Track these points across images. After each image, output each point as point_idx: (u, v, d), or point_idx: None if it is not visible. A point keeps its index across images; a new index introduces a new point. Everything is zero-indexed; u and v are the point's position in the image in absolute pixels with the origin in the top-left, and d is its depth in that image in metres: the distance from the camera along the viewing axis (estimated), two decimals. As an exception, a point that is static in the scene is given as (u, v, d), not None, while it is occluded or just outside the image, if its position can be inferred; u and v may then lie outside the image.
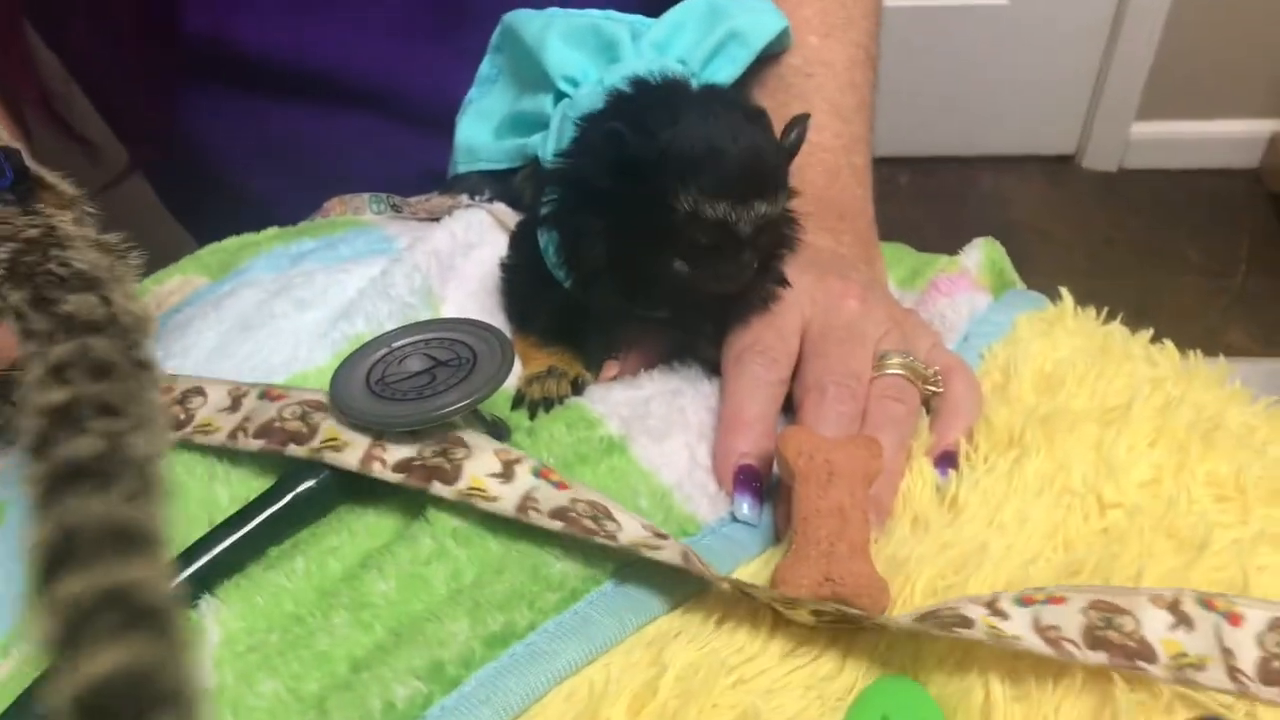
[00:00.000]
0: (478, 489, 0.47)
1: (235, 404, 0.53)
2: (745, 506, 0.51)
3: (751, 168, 0.51)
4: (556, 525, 0.46)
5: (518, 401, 0.56)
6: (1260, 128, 2.46)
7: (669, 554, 0.45)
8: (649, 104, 0.54)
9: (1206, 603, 0.45)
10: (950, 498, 0.53)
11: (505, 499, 0.47)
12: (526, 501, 0.47)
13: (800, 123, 0.55)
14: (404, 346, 0.53)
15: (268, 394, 0.52)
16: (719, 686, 0.43)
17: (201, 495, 0.50)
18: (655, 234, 0.52)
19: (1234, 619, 0.44)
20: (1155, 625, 0.44)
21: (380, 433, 0.49)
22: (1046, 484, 0.52)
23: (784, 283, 0.58)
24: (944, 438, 0.56)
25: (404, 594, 0.45)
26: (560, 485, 0.48)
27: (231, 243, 0.71)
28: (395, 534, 0.48)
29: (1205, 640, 0.43)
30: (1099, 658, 0.43)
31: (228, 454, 0.51)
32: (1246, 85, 2.40)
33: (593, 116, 0.57)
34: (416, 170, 0.79)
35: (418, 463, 0.48)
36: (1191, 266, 2.32)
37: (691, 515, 0.51)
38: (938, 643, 0.45)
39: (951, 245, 0.73)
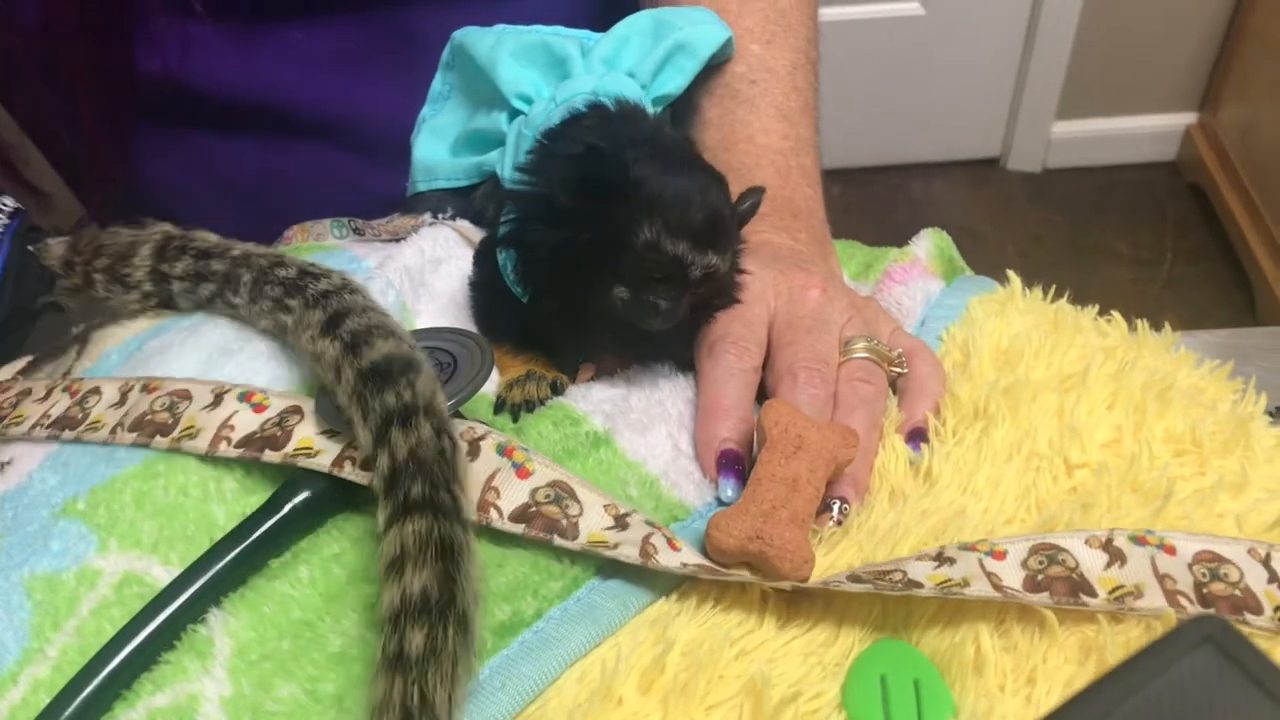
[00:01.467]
0: None
1: (122, 399, 0.56)
2: (729, 489, 0.53)
3: (712, 220, 0.54)
4: (518, 529, 0.48)
5: (499, 406, 0.57)
6: (1175, 121, 2.54)
7: (627, 550, 0.47)
8: (629, 137, 0.56)
9: (1139, 539, 0.48)
10: (924, 470, 0.55)
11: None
12: (487, 495, 0.49)
13: (754, 194, 0.58)
14: (386, 357, 0.55)
15: (147, 387, 0.56)
16: (724, 658, 0.45)
17: (199, 515, 0.50)
18: (606, 258, 0.54)
19: (1168, 549, 0.48)
20: (1092, 564, 0.47)
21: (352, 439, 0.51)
22: (1014, 450, 0.55)
23: (736, 300, 0.60)
24: (913, 415, 0.58)
25: None
26: (522, 471, 0.50)
27: (198, 274, 0.72)
28: (395, 538, 0.49)
29: (1140, 570, 0.47)
30: (1043, 599, 0.46)
31: (222, 473, 0.52)
32: (1159, 81, 2.49)
33: (553, 133, 0.59)
34: (370, 199, 0.80)
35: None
36: (1120, 258, 2.39)
37: (680, 501, 0.53)
38: (928, 604, 0.47)
39: (887, 251, 0.75)
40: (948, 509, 0.52)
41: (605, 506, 0.49)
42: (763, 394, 0.59)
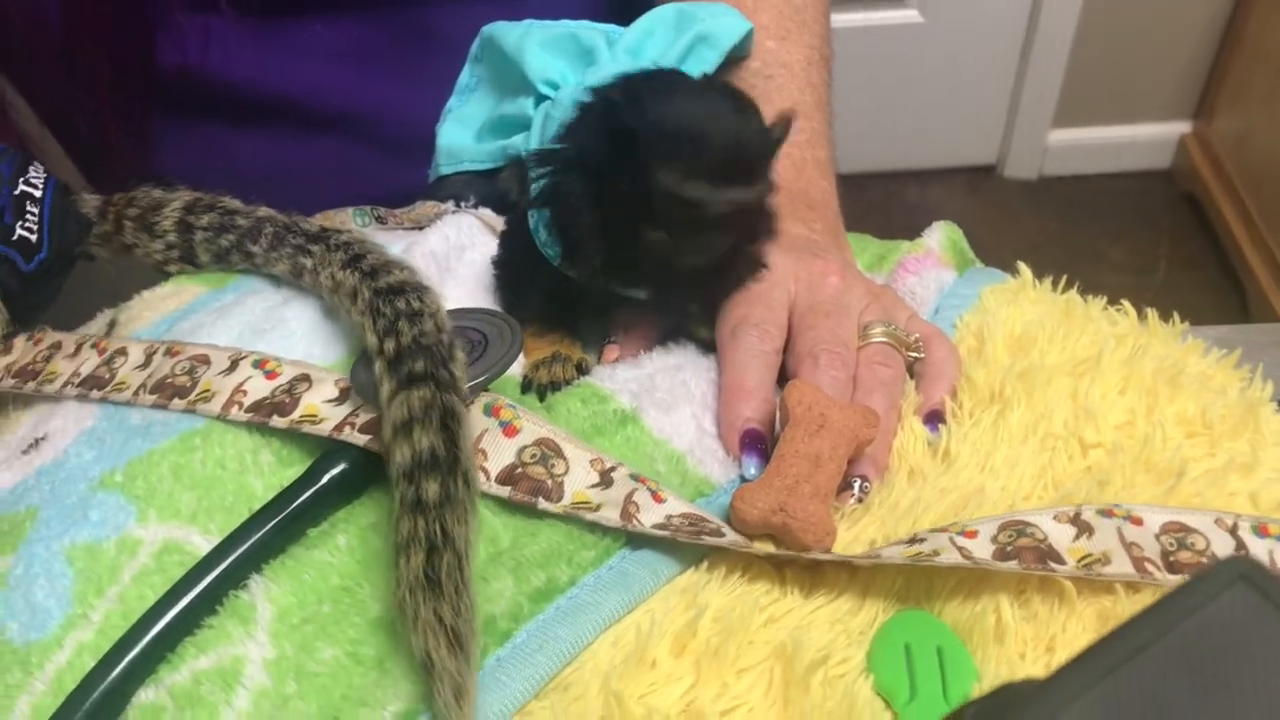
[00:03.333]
0: None
1: (147, 361, 0.58)
2: (753, 468, 0.54)
3: (731, 154, 0.54)
4: (504, 492, 0.49)
5: (526, 386, 0.59)
6: (1169, 130, 2.57)
7: (608, 513, 0.49)
8: (648, 84, 0.57)
9: (1106, 512, 0.49)
10: (942, 451, 0.56)
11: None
12: (474, 458, 0.50)
13: (786, 118, 0.58)
14: (417, 336, 0.56)
15: (170, 350, 0.58)
16: (754, 624, 0.46)
17: (237, 487, 0.52)
18: (639, 205, 0.55)
19: (1135, 520, 0.49)
20: (1060, 537, 0.49)
21: (355, 408, 0.53)
22: (1030, 431, 0.56)
23: (761, 265, 0.61)
24: (931, 397, 0.59)
25: None
26: (509, 429, 0.51)
27: (224, 261, 0.73)
28: (430, 508, 0.51)
29: (1107, 539, 0.48)
30: (1012, 566, 0.47)
31: (259, 445, 0.53)
32: (1154, 90, 2.51)
33: (597, 91, 0.60)
34: (389, 195, 0.81)
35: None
36: (1115, 266, 2.41)
37: (705, 477, 0.54)
38: (949, 576, 0.49)
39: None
40: (967, 486, 0.53)
41: (591, 461, 0.51)
42: (783, 378, 0.60)
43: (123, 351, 0.59)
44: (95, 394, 0.57)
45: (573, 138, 0.57)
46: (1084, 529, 0.49)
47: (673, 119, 0.53)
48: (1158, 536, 0.49)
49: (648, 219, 0.55)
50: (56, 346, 0.61)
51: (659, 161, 0.53)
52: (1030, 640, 0.46)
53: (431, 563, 0.44)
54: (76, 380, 0.58)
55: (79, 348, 0.60)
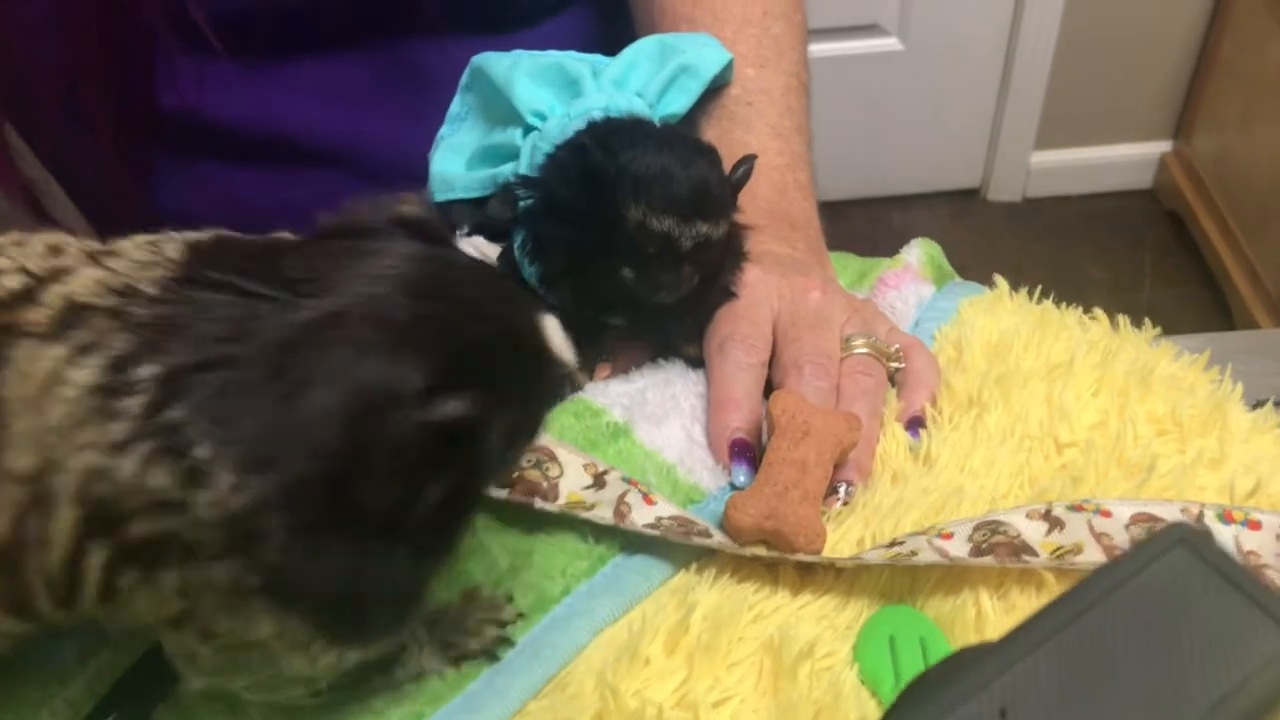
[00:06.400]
0: None
1: None
2: (741, 475, 0.57)
3: (696, 192, 0.58)
4: (502, 494, 0.51)
5: (520, 404, 0.61)
6: (1150, 149, 2.60)
7: (602, 512, 0.51)
8: (615, 130, 0.61)
9: (1076, 507, 0.52)
10: (923, 454, 0.59)
11: None
12: None
13: (747, 161, 0.62)
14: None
15: None
16: (743, 620, 0.48)
17: None
18: (609, 242, 0.58)
19: (1104, 513, 0.51)
20: (1032, 533, 0.51)
21: None
22: (1007, 433, 0.58)
23: (731, 294, 0.64)
24: (911, 404, 0.62)
25: (448, 588, 0.50)
26: None
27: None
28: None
29: (1078, 532, 0.50)
30: (988, 560, 0.49)
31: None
32: (1134, 110, 2.55)
33: (565, 144, 0.63)
34: None
35: None
36: (1099, 285, 2.44)
37: (695, 485, 0.56)
38: (931, 573, 0.51)
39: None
40: (947, 487, 0.56)
41: (585, 465, 0.53)
42: (768, 391, 0.62)
43: None
44: None
45: (545, 181, 0.61)
46: (1055, 524, 0.51)
47: (639, 161, 0.57)
48: (1127, 527, 0.51)
49: (617, 255, 0.58)
50: None
51: (628, 200, 0.56)
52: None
53: None
54: None
55: None
